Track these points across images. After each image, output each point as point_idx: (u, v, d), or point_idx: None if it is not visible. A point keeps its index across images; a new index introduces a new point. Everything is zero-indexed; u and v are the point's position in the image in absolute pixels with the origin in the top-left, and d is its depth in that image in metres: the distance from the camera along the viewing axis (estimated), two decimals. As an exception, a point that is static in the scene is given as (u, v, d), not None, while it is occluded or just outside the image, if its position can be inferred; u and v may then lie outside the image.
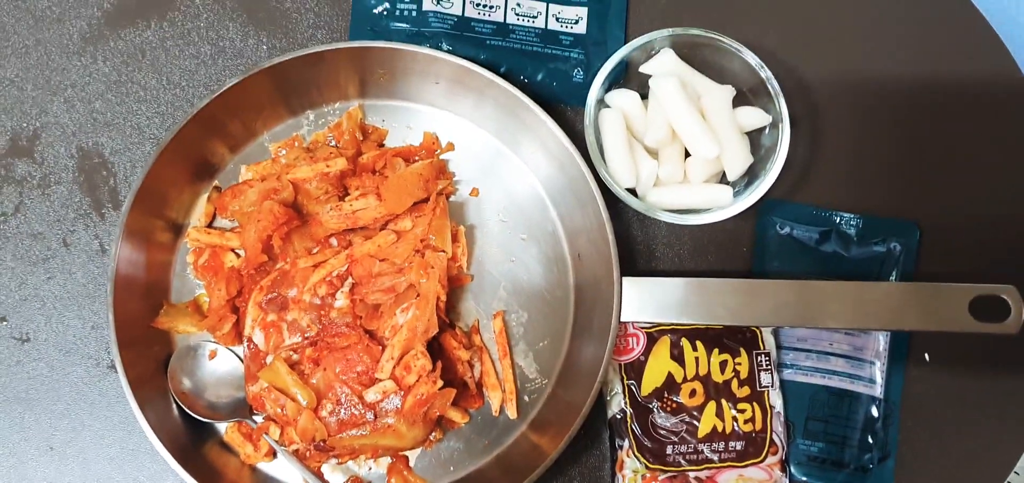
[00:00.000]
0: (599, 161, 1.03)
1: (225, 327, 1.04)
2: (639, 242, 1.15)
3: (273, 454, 1.08)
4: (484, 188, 1.10)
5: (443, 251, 1.07)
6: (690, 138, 1.00)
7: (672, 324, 1.09)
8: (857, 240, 1.14)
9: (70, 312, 1.12)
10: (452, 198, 1.10)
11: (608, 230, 1.03)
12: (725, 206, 1.00)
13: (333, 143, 1.09)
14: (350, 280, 1.01)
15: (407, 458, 1.09)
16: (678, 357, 1.05)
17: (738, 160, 1.02)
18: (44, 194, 1.09)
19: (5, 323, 1.11)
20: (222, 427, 1.04)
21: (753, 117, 1.03)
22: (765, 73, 1.00)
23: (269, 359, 1.05)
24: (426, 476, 1.08)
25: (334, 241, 1.04)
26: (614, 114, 1.03)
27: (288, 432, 1.04)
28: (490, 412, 1.06)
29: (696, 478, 1.06)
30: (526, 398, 1.07)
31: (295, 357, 0.99)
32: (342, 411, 1.00)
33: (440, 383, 1.01)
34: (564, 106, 1.11)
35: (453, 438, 1.10)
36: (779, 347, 1.11)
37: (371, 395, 0.96)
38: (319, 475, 1.08)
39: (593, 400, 1.01)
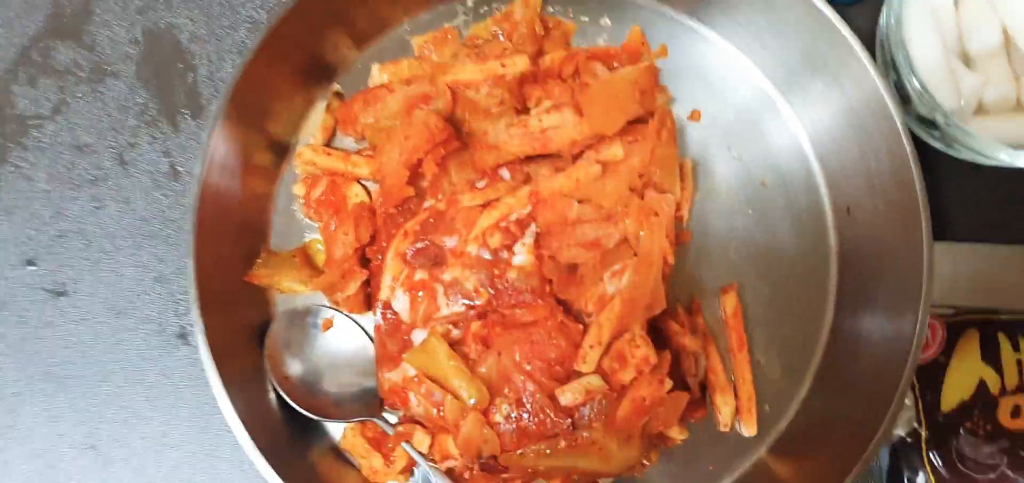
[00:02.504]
0: (907, 73, 0.70)
1: (350, 287, 0.80)
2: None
3: (410, 471, 0.76)
4: (709, 110, 0.86)
5: (670, 193, 0.74)
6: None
7: (982, 310, 0.79)
8: None
9: (125, 256, 0.83)
10: (665, 123, 0.83)
11: (914, 170, 0.74)
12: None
13: (502, 39, 0.76)
14: (534, 228, 0.76)
15: (595, 485, 0.77)
16: (993, 358, 0.80)
17: (1105, 81, 0.69)
18: (95, 92, 0.86)
19: (33, 268, 0.80)
20: (338, 428, 0.81)
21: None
22: None
23: (417, 335, 0.75)
24: None
25: (506, 173, 0.79)
26: (920, 8, 0.70)
27: (441, 442, 0.74)
28: (714, 426, 0.81)
29: (1028, 536, 0.75)
30: (767, 408, 0.82)
31: (456, 334, 0.76)
32: (524, 416, 0.73)
33: (669, 383, 0.74)
34: None
35: (663, 459, 0.78)
36: None
37: (567, 396, 0.73)
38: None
39: (890, 420, 0.70)
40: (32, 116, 0.85)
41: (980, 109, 0.79)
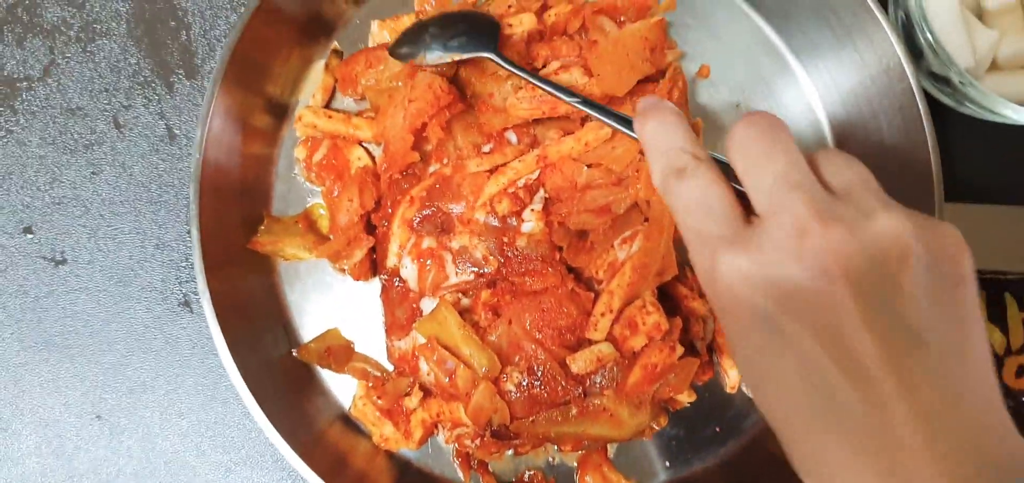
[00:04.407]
0: (920, 28, 0.68)
1: (356, 255, 0.77)
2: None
3: (425, 440, 0.76)
4: (718, 66, 0.83)
5: (682, 155, 0.72)
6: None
7: (989, 271, 0.78)
8: None
9: (124, 223, 0.79)
10: (672, 81, 0.79)
11: (927, 130, 0.73)
12: (1105, 104, 0.66)
13: (507, -5, 0.74)
14: (543, 194, 0.74)
15: (605, 448, 0.77)
16: (999, 319, 0.80)
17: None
18: (86, 52, 0.79)
19: (30, 236, 0.77)
20: (347, 396, 0.79)
21: None
22: None
23: (426, 304, 0.72)
24: (630, 473, 0.79)
25: (513, 136, 0.77)
26: (938, -38, 0.69)
27: (451, 410, 0.71)
28: (721, 388, 0.80)
29: (1031, 493, 0.74)
30: None
31: (465, 302, 0.75)
32: (536, 384, 0.72)
33: (680, 349, 0.72)
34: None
35: (669, 421, 0.77)
36: None
37: (578, 363, 0.71)
38: (483, 472, 0.76)
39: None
40: (21, 78, 0.81)
41: (994, 66, 0.77)
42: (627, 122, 0.60)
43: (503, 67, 0.72)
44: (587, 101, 0.66)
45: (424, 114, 0.74)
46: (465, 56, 0.73)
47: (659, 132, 0.54)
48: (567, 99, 0.67)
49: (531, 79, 0.71)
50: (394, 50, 0.76)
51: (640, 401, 0.73)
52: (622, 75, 0.75)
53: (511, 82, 0.76)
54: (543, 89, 0.70)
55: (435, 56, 0.74)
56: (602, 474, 0.78)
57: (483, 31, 0.75)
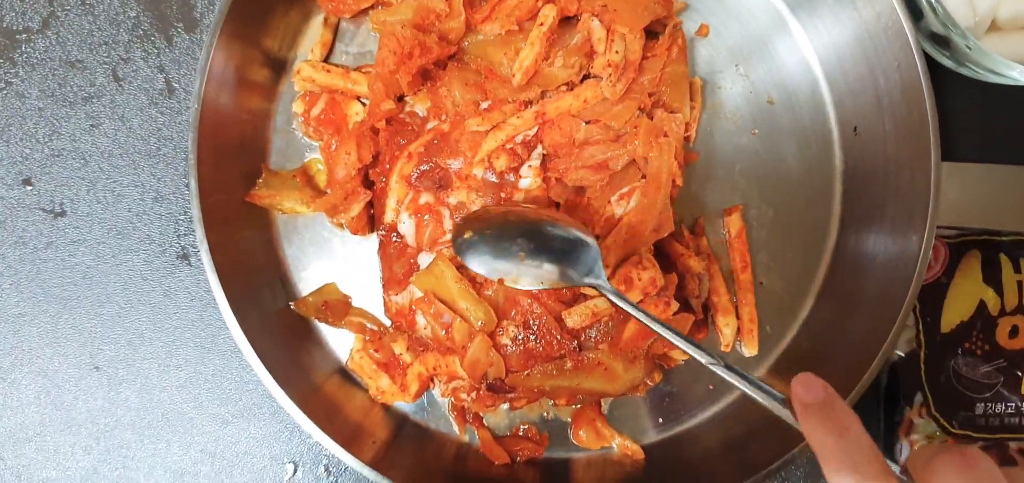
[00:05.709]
0: (922, -12, 0.69)
1: (353, 209, 0.77)
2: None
3: (421, 394, 0.76)
4: (716, 25, 0.83)
5: (680, 112, 0.73)
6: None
7: (984, 232, 0.78)
8: None
9: (123, 176, 0.79)
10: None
11: (925, 88, 0.72)
12: (1102, 65, 0.66)
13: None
14: (541, 150, 0.74)
15: (599, 403, 0.77)
16: (993, 279, 0.79)
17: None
18: (85, 4, 0.83)
19: (30, 188, 0.77)
20: (344, 350, 0.80)
21: None
22: None
23: (423, 259, 0.73)
24: (623, 428, 0.79)
25: None
26: (939, -80, 0.69)
27: (447, 363, 0.72)
28: (716, 345, 0.81)
29: (1021, 451, 0.75)
30: (768, 328, 0.81)
31: None
32: (531, 338, 0.72)
33: (675, 305, 0.73)
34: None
35: (664, 378, 0.78)
36: None
37: (574, 318, 0.72)
38: (478, 426, 0.76)
39: (893, 339, 0.70)
40: (21, 30, 0.81)
41: (993, 26, 0.77)
42: (780, 400, 0.55)
43: (612, 301, 0.66)
44: (730, 367, 0.59)
45: (387, 64, 0.73)
46: (566, 287, 0.67)
47: (836, 443, 0.49)
48: (704, 360, 0.60)
49: (647, 321, 0.63)
50: (464, 251, 0.68)
51: (634, 356, 0.73)
52: (636, 12, 0.74)
53: (513, 44, 0.76)
54: (669, 338, 0.62)
55: (532, 281, 0.66)
56: (596, 429, 0.79)
57: (583, 254, 0.67)
